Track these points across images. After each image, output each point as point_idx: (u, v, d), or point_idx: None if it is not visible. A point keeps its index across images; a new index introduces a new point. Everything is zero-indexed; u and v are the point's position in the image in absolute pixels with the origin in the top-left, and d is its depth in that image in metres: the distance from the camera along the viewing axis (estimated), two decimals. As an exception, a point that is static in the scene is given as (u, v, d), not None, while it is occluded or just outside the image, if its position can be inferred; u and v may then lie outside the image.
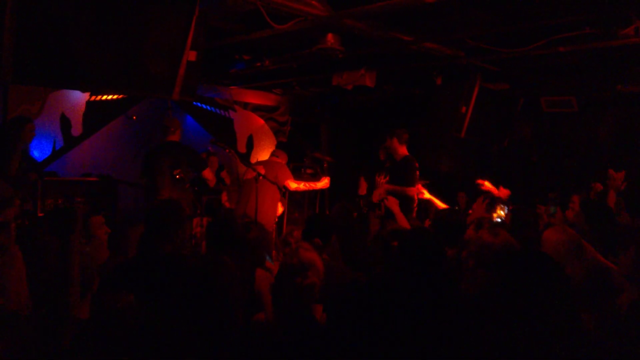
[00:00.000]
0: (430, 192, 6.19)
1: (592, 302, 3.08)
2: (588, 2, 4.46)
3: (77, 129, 7.70)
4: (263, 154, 9.67)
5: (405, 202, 5.87)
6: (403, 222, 4.97)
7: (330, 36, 5.42)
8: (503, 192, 5.74)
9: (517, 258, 2.57)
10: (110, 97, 7.74)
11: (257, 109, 9.40)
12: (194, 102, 8.63)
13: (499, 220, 5.01)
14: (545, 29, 5.19)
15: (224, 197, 8.00)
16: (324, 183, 6.82)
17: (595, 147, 7.92)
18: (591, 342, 2.32)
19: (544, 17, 4.87)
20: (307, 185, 6.65)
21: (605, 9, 4.57)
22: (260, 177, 6.08)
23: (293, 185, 6.51)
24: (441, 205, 5.83)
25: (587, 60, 6.18)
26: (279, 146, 9.57)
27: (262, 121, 9.52)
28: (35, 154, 7.32)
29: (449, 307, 2.55)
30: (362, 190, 8.45)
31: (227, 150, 7.55)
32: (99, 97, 7.68)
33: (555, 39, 5.30)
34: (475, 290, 2.98)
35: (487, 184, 5.92)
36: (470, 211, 5.60)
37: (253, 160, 9.51)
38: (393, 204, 5.28)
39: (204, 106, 8.91)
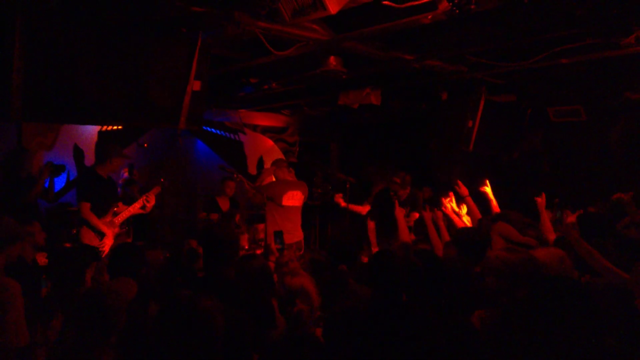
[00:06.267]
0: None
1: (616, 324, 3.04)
2: (588, 13, 4.46)
3: (90, 159, 7.83)
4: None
5: None
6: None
7: (332, 59, 5.48)
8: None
9: (542, 281, 2.56)
10: (121, 126, 7.87)
11: (266, 130, 9.49)
12: (204, 127, 8.73)
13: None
14: (546, 41, 5.19)
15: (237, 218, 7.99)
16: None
17: (606, 155, 7.83)
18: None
19: (544, 30, 4.88)
20: None
21: (605, 19, 4.57)
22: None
23: None
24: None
25: (593, 69, 6.15)
26: (290, 166, 9.70)
27: (271, 142, 9.60)
28: (50, 185, 7.44)
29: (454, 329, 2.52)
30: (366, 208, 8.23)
31: (235, 175, 7.62)
32: (110, 127, 7.81)
33: (557, 51, 5.30)
34: (496, 311, 2.95)
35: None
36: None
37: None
38: None
39: (214, 130, 9.02)
